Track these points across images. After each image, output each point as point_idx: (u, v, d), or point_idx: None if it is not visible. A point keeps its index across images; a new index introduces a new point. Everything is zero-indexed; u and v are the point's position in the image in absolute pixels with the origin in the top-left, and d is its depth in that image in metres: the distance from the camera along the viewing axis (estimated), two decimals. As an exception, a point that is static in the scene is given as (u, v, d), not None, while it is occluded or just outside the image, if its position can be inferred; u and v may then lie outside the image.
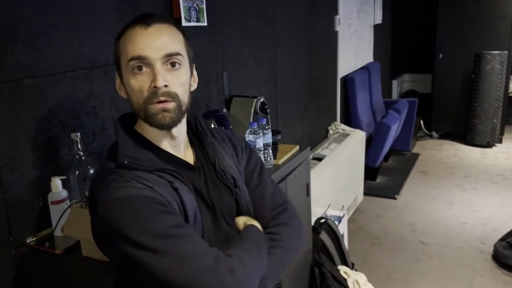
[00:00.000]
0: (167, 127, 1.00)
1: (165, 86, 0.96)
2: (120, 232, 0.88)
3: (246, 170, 1.21)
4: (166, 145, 1.05)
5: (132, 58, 0.96)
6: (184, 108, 1.01)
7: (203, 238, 1.01)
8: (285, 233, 1.13)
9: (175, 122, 1.00)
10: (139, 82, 0.96)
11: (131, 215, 0.88)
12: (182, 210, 0.96)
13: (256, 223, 1.12)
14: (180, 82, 1.00)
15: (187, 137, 1.12)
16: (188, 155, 1.10)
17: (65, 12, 1.50)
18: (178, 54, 0.99)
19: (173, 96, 0.97)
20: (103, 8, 1.64)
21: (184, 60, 1.01)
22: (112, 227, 0.89)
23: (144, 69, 0.96)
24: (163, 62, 0.97)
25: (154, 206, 0.90)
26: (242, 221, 1.12)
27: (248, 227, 1.09)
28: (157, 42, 0.97)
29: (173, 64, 0.98)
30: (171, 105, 0.97)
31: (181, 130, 1.07)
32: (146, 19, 0.98)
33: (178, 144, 1.07)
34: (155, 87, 0.95)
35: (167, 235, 0.88)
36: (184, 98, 1.01)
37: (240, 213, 1.15)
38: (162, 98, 0.96)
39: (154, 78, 0.95)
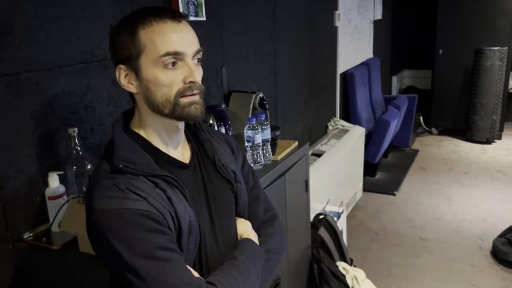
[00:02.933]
0: (199, 119, 1.02)
1: None
2: (108, 243, 0.89)
3: (242, 170, 1.22)
4: (166, 140, 1.04)
5: (168, 54, 0.94)
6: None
7: (200, 243, 1.02)
8: (276, 243, 1.19)
9: (203, 114, 1.02)
10: (170, 77, 0.96)
11: (120, 230, 0.89)
12: (176, 221, 0.96)
13: (253, 236, 1.14)
14: (201, 76, 1.02)
15: (184, 134, 1.11)
16: (185, 152, 1.10)
17: (64, 5, 1.49)
18: (201, 50, 1.01)
19: (201, 90, 1.01)
20: (102, 1, 1.63)
21: None
22: (102, 235, 0.90)
23: (176, 64, 0.96)
24: (193, 57, 0.98)
25: (144, 222, 0.90)
26: (239, 232, 1.15)
27: (244, 241, 1.11)
28: (190, 38, 0.98)
29: (198, 60, 1.01)
30: (198, 97, 1.00)
31: (183, 125, 1.07)
32: (174, 15, 0.97)
33: (178, 138, 1.07)
34: (192, 82, 0.97)
35: (152, 257, 0.89)
36: None
37: (238, 209, 1.16)
38: (196, 91, 0.98)
39: (191, 74, 0.96)
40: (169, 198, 0.96)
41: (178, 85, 0.96)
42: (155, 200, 0.93)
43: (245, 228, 1.16)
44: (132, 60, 0.97)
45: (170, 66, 0.95)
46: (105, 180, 0.94)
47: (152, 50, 0.95)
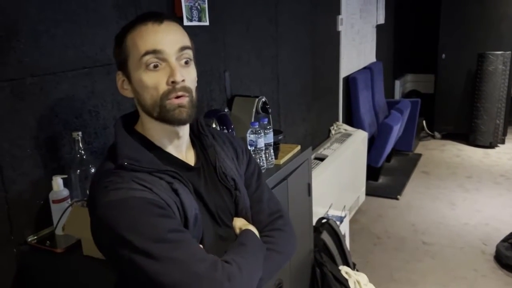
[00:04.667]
0: (184, 122, 1.00)
1: (183, 81, 0.97)
2: (116, 234, 0.88)
3: (245, 174, 1.21)
4: (168, 145, 1.05)
5: (147, 53, 0.95)
6: (195, 103, 1.02)
7: (202, 239, 1.02)
8: (280, 238, 1.16)
9: (190, 117, 1.00)
10: (153, 79, 0.96)
11: (128, 217, 0.88)
12: (182, 211, 0.96)
13: (252, 228, 1.13)
14: (192, 78, 1.01)
15: (189, 138, 1.12)
16: (189, 156, 1.10)
17: (67, 9, 1.50)
18: (189, 48, 1.00)
19: (189, 91, 0.99)
20: (105, 6, 1.64)
21: (193, 56, 1.02)
22: (109, 228, 0.89)
23: (159, 65, 0.96)
24: (177, 57, 0.97)
25: (151, 208, 0.90)
26: (238, 225, 1.13)
27: (245, 232, 1.10)
28: (171, 37, 0.97)
29: (186, 62, 0.99)
30: (186, 100, 0.98)
31: (186, 130, 1.07)
32: (157, 17, 0.98)
33: (181, 144, 1.07)
34: (173, 82, 0.95)
35: (163, 240, 0.88)
36: (195, 94, 1.02)
37: (238, 215, 1.15)
38: (180, 93, 0.96)
39: (172, 73, 0.95)
40: (175, 190, 0.96)
41: (163, 88, 0.96)
42: (160, 190, 0.93)
43: (242, 222, 1.14)
44: (123, 66, 1.00)
45: (151, 67, 0.96)
46: (110, 176, 0.94)
47: (135, 52, 0.97)
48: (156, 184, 0.94)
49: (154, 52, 0.95)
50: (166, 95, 0.96)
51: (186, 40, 1.00)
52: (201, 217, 1.01)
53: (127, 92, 1.03)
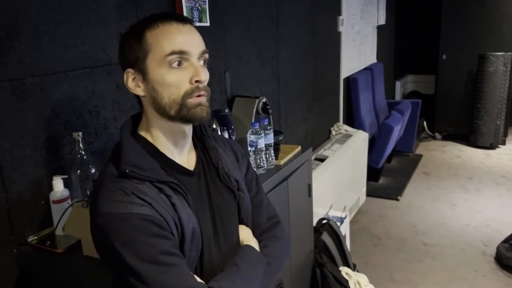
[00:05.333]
0: (204, 120, 1.02)
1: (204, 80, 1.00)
2: (112, 247, 0.90)
3: (245, 178, 1.22)
4: (172, 146, 1.04)
5: (173, 52, 0.95)
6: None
7: (202, 251, 1.03)
8: (278, 248, 1.19)
9: (208, 115, 1.02)
10: (176, 78, 0.97)
11: (124, 234, 0.90)
12: (179, 227, 0.97)
13: (253, 243, 1.14)
14: (208, 79, 1.03)
15: (191, 140, 1.12)
16: (190, 158, 1.10)
17: (68, 9, 1.50)
18: (207, 52, 1.02)
19: (208, 92, 1.01)
20: (106, 6, 1.64)
21: None
22: (106, 239, 0.91)
23: (183, 64, 0.97)
24: (198, 58, 0.99)
25: (148, 226, 0.91)
26: (240, 237, 1.15)
27: (244, 249, 1.11)
28: (195, 39, 1.00)
29: (204, 62, 1.02)
30: (205, 99, 1.00)
31: (191, 129, 1.08)
32: (179, 17, 0.99)
33: (185, 144, 1.07)
34: (197, 81, 0.97)
35: (155, 261, 0.89)
36: None
37: (240, 217, 1.16)
38: (202, 92, 0.99)
39: (197, 73, 0.97)
40: (173, 204, 0.96)
41: (185, 86, 0.97)
42: (159, 205, 0.94)
43: (246, 234, 1.16)
44: (139, 63, 0.99)
45: (175, 65, 0.96)
46: (111, 184, 0.95)
47: (158, 50, 0.96)
48: (157, 199, 0.95)
49: (181, 53, 0.96)
50: (189, 93, 0.97)
51: (204, 44, 1.02)
52: (200, 230, 1.01)
53: (139, 90, 1.01)
